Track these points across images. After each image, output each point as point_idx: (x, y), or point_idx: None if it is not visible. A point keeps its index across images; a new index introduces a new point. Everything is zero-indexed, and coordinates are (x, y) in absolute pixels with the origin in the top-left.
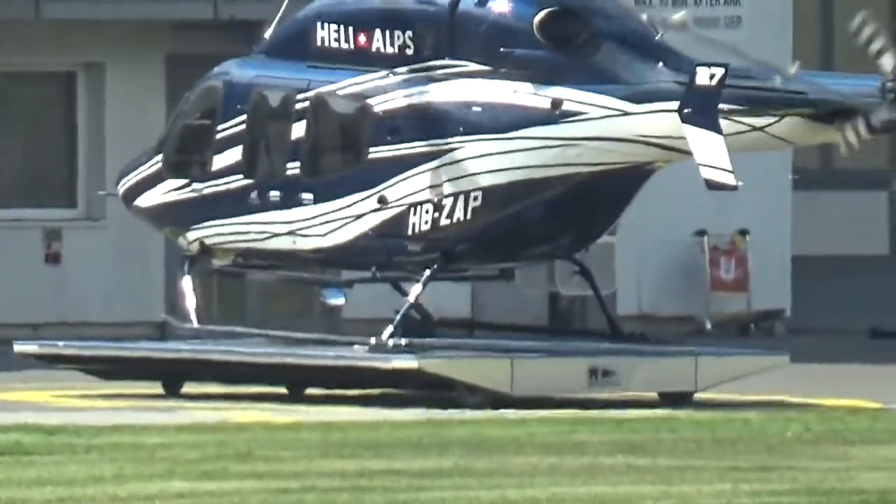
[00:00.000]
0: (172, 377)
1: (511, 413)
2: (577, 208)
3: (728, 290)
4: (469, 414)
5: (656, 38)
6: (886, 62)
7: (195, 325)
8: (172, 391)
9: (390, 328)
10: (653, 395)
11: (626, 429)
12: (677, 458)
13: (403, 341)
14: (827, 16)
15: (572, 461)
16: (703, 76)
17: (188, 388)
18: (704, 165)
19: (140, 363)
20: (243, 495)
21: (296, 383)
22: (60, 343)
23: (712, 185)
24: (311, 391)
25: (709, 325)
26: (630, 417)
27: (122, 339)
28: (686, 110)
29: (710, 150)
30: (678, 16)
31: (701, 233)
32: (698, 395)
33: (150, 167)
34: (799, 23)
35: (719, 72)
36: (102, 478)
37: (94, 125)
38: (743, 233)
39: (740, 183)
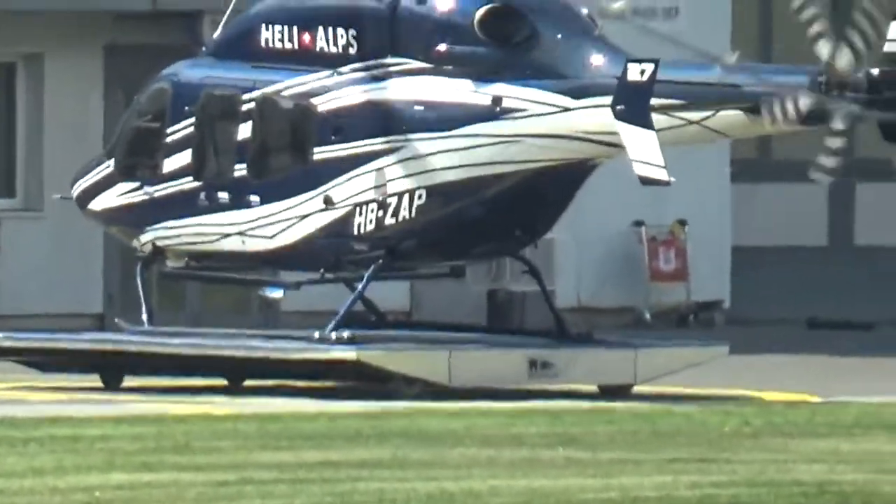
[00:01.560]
0: (112, 370)
1: (449, 405)
2: (521, 205)
3: (667, 280)
4: (407, 405)
5: (595, 32)
6: (823, 49)
7: (148, 327)
8: (112, 384)
9: (334, 321)
10: (592, 387)
11: (565, 421)
12: (617, 451)
13: (346, 333)
14: (765, 6)
15: (511, 453)
16: (633, 71)
17: (128, 380)
18: (637, 161)
19: (79, 355)
20: (182, 487)
21: (235, 375)
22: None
23: (645, 181)
24: (249, 383)
25: (648, 316)
26: (569, 409)
27: (61, 331)
28: (618, 106)
29: (642, 146)
30: (616, 5)
31: (639, 223)
32: (637, 388)
33: (102, 171)
34: (738, 13)
35: (650, 67)
36: (42, 470)
37: (33, 115)
38: (682, 223)
39: (673, 179)
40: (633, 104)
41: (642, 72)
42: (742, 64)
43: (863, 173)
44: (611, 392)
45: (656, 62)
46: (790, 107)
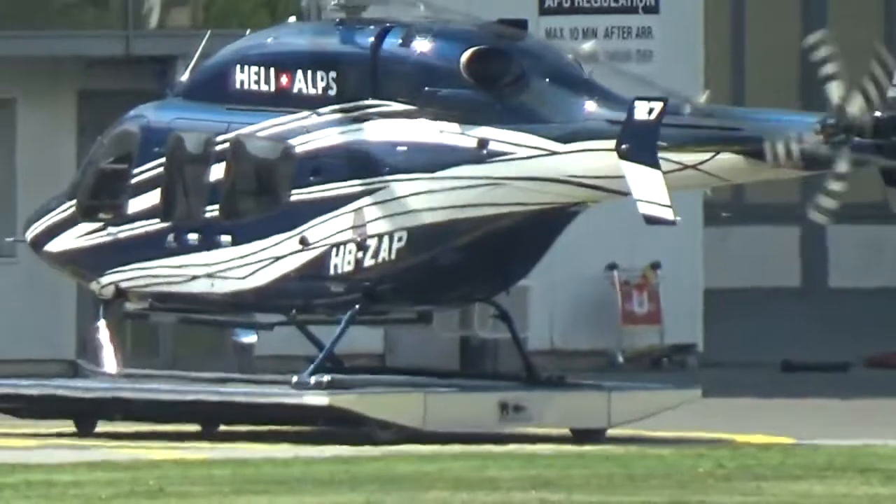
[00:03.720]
0: (85, 415)
1: (423, 448)
2: (502, 249)
3: (640, 323)
4: (381, 449)
5: (585, 76)
6: (834, 91)
7: (112, 370)
8: (85, 429)
9: (312, 366)
10: (565, 430)
11: (539, 464)
12: (590, 494)
13: (325, 378)
14: (738, 50)
15: (485, 497)
16: (641, 110)
17: (101, 426)
18: (642, 201)
19: (53, 401)
20: None
21: (208, 421)
22: None
23: (650, 220)
24: (224, 428)
25: (621, 360)
26: (542, 453)
27: (34, 377)
28: (624, 146)
29: (648, 186)
30: (588, 46)
31: (612, 267)
32: (611, 431)
33: (61, 212)
34: (711, 56)
35: (658, 106)
36: None
37: (4, 160)
38: (654, 266)
39: (679, 218)
40: (640, 143)
41: (650, 110)
42: (743, 110)
43: (836, 215)
44: (583, 435)
45: (665, 100)
46: (794, 147)
